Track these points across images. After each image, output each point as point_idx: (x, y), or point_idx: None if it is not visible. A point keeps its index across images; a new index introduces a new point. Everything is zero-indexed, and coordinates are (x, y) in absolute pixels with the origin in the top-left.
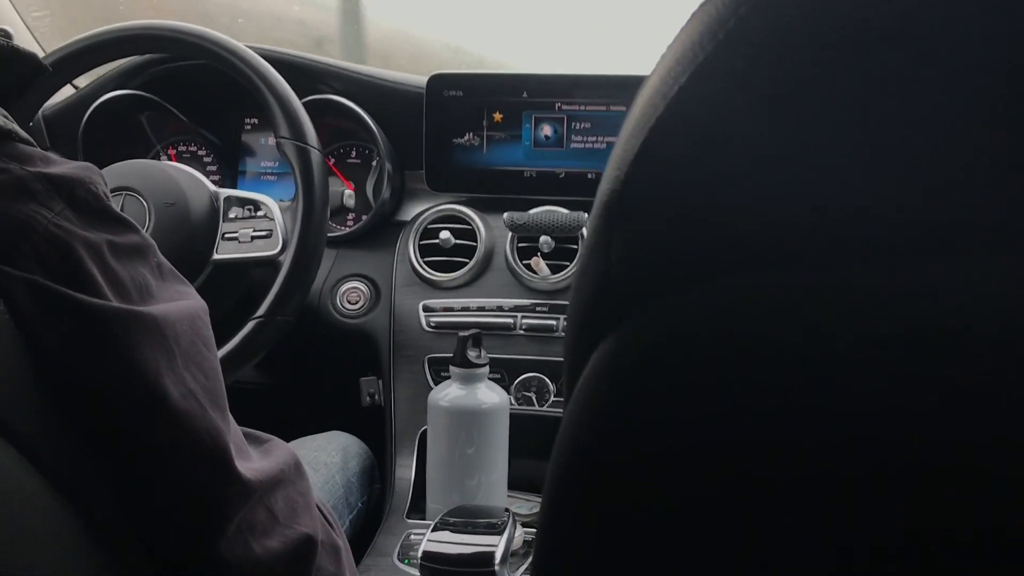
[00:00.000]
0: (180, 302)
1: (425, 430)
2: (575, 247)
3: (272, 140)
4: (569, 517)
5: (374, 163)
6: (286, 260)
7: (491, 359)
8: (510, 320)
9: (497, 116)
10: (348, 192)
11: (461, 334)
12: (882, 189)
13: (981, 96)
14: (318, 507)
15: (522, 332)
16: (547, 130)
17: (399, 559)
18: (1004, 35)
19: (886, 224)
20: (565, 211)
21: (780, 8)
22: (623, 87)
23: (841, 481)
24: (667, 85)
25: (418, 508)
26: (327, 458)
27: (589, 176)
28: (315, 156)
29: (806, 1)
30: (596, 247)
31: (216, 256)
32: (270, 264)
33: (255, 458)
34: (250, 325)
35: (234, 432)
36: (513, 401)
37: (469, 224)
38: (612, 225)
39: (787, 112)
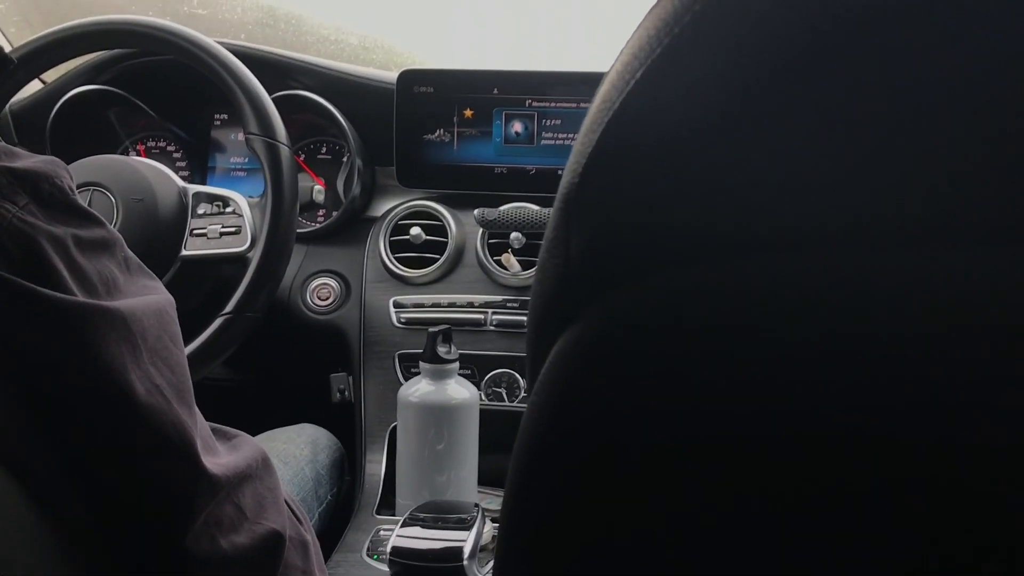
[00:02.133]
0: (147, 296)
1: (395, 426)
2: None
3: (242, 136)
4: (531, 508)
5: (344, 159)
6: (255, 256)
7: (461, 355)
8: (480, 316)
9: (468, 112)
10: (318, 188)
11: (431, 330)
12: (840, 180)
13: (952, 87)
14: (287, 502)
15: (492, 328)
16: (517, 126)
17: (368, 555)
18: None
19: (843, 214)
20: (536, 207)
21: (737, 4)
22: (593, 84)
23: (803, 472)
24: (623, 79)
25: (388, 504)
26: (296, 451)
27: (559, 172)
28: (284, 152)
29: None
30: (555, 240)
31: (184, 252)
32: (239, 260)
33: (222, 453)
34: (218, 321)
35: (201, 427)
36: (483, 397)
37: (440, 220)
38: (571, 218)
39: (741, 106)
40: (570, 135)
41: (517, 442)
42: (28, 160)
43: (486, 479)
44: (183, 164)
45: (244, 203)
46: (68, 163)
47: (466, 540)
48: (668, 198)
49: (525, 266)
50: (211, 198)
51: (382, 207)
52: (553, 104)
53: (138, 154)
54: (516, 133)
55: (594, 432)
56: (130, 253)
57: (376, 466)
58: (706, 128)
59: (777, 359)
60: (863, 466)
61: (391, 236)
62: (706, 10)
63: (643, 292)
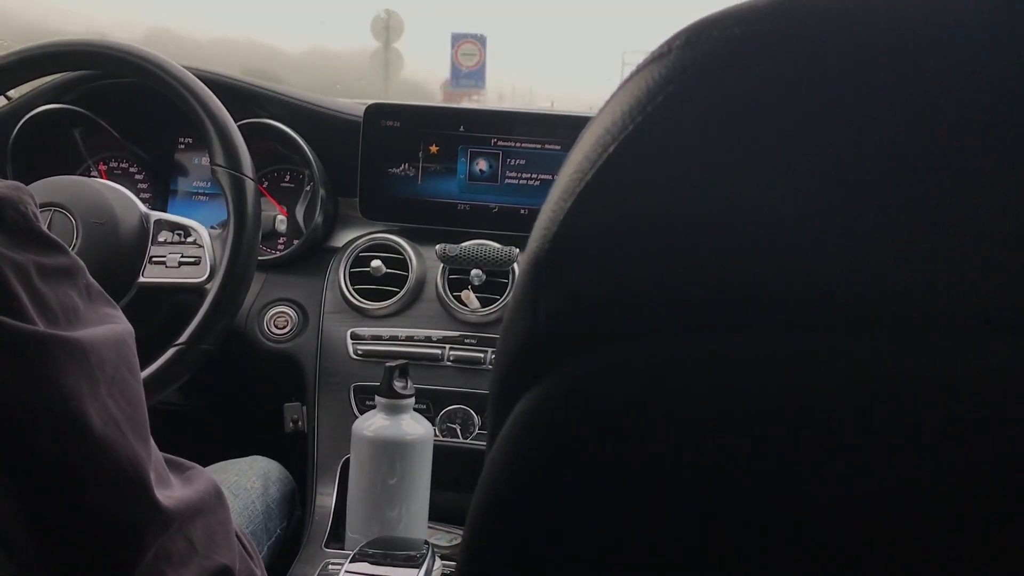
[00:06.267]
0: (107, 326)
1: (348, 458)
2: (506, 281)
3: (206, 160)
4: (486, 567)
5: (307, 188)
6: (212, 289)
7: (417, 389)
8: (438, 351)
9: (433, 148)
10: (280, 217)
11: (388, 364)
12: (808, 264)
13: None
14: (237, 537)
15: (450, 363)
16: (482, 164)
17: None
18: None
19: (811, 297)
20: (497, 245)
21: (710, 87)
22: (559, 125)
23: (751, 538)
24: (596, 152)
25: (337, 537)
26: (247, 483)
27: (522, 212)
28: (249, 186)
29: (736, 81)
30: (523, 303)
31: (142, 279)
32: (196, 291)
33: (176, 486)
34: (171, 352)
35: (155, 460)
36: (438, 432)
37: (401, 254)
38: (539, 284)
39: (711, 186)
40: (534, 175)
41: (475, 498)
42: None
43: (438, 515)
44: (145, 186)
45: (205, 234)
46: (29, 181)
47: None
48: (637, 270)
49: (484, 303)
50: (172, 226)
51: (343, 238)
52: (518, 144)
53: (99, 174)
54: (480, 171)
55: (552, 494)
56: (92, 280)
57: (327, 498)
58: (676, 206)
59: (744, 433)
60: (825, 538)
61: (351, 267)
62: (679, 91)
63: (609, 359)
